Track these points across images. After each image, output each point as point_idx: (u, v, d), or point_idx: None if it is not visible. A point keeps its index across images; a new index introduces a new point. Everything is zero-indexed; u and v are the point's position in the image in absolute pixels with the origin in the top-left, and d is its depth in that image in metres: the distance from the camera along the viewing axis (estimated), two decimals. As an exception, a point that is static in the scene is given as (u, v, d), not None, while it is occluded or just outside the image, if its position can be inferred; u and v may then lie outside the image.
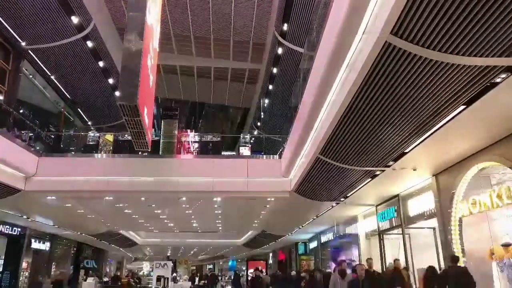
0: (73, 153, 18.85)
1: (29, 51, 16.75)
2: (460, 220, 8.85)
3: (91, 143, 18.76)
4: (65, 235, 24.90)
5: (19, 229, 20.06)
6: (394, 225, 12.69)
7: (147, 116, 11.03)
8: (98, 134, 18.98)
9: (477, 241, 8.55)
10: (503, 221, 8.15)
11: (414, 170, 9.39)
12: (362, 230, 15.80)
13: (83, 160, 14.72)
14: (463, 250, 8.75)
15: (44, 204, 15.37)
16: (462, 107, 5.88)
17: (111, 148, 18.26)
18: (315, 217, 17.23)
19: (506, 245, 7.58)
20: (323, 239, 22.00)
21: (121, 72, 9.82)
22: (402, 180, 10.70)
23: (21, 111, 18.69)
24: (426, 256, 11.18)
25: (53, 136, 19.37)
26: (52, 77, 19.08)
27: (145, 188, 13.74)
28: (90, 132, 20.19)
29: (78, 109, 22.99)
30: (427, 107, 5.99)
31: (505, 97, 5.69)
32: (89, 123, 23.85)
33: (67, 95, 21.15)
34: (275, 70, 17.44)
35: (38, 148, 16.17)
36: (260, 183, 13.78)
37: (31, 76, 19.33)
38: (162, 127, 20.46)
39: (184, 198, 15.53)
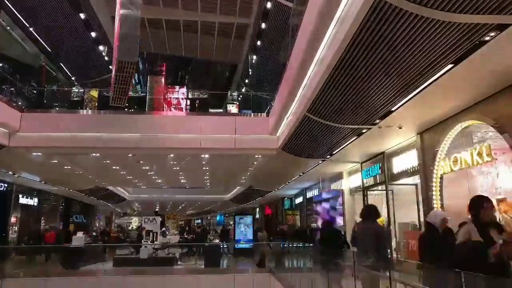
0: (57, 109, 18.51)
1: (6, 1, 15.93)
2: (441, 177, 9.13)
3: (75, 99, 18.42)
4: (53, 191, 25.01)
5: (6, 185, 20.05)
6: (378, 181, 13.03)
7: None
8: (82, 90, 18.59)
9: (457, 197, 8.87)
10: (482, 178, 8.44)
11: (399, 128, 9.52)
12: (346, 187, 16.21)
13: (68, 116, 14.49)
14: (442, 206, 9.09)
15: (30, 161, 15.27)
16: (450, 65, 5.88)
17: (96, 104, 17.97)
18: (301, 174, 17.56)
19: (483, 201, 7.89)
20: (309, 194, 22.57)
21: (121, 27, 9.47)
22: (387, 138, 10.87)
23: None
24: (407, 211, 11.62)
25: (35, 92, 18.91)
26: (31, 29, 18.29)
27: (132, 145, 13.70)
28: (74, 88, 19.74)
29: (60, 63, 22.29)
30: (415, 65, 5.98)
31: (493, 55, 5.69)
32: (73, 78, 23.24)
33: (48, 49, 20.41)
34: (263, 26, 17.00)
35: (20, 103, 15.81)
36: (248, 140, 13.84)
37: (8, 28, 18.50)
38: (148, 83, 20.11)
39: (171, 155, 15.58)
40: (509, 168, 7.49)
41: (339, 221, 16.10)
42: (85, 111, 17.09)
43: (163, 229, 21.26)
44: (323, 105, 8.54)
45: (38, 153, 14.38)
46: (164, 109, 19.64)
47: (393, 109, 7.97)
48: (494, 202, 7.61)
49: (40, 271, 13.26)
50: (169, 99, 20.32)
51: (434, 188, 9.25)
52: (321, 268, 8.01)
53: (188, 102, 20.92)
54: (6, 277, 11.47)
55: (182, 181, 23.79)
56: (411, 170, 10.86)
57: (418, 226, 10.94)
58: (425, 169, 9.78)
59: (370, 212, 6.91)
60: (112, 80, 10.96)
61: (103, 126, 13.82)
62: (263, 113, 15.18)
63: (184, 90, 21.26)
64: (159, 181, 23.83)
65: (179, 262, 15.32)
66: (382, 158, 12.53)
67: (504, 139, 6.99)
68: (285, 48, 12.45)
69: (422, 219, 10.30)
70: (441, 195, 9.15)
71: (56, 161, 15.95)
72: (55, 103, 19.92)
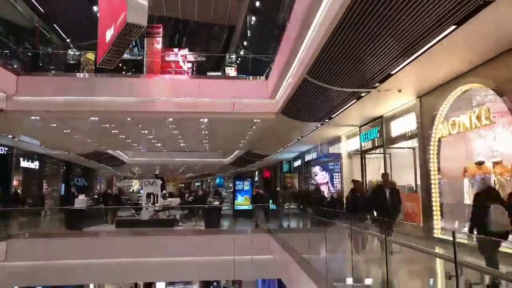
0: (53, 72, 18.25)
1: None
2: (439, 141, 9.19)
3: (71, 62, 18.09)
4: (53, 155, 25.14)
5: (6, 148, 20.13)
6: (376, 145, 13.11)
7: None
8: (78, 53, 18.24)
9: (453, 160, 8.98)
10: (479, 141, 8.50)
11: (399, 91, 9.47)
12: (344, 150, 16.32)
13: (65, 79, 14.32)
14: (439, 169, 9.21)
15: (28, 124, 15.24)
16: (453, 27, 5.77)
17: (93, 67, 17.69)
18: (299, 138, 17.62)
19: (479, 163, 8.00)
20: (307, 158, 22.77)
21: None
22: (386, 102, 10.83)
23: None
24: (404, 174, 11.78)
25: (30, 54, 18.57)
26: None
27: (130, 109, 13.64)
28: (69, 50, 19.36)
29: (54, 25, 21.74)
30: (418, 26, 5.87)
31: (498, 16, 5.58)
32: (68, 40, 22.75)
33: (40, 9, 19.82)
34: (263, -15, 16.51)
35: (15, 66, 15.58)
36: (246, 104, 13.77)
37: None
38: (145, 45, 19.71)
39: (170, 119, 15.55)
40: (507, 131, 7.53)
41: (337, 183, 16.36)
42: (82, 74, 16.85)
43: (164, 191, 21.62)
44: (323, 68, 8.45)
45: (36, 117, 14.34)
46: (162, 72, 19.36)
47: (393, 72, 7.89)
48: (490, 165, 7.73)
49: (44, 232, 13.58)
50: (167, 62, 19.99)
51: (431, 152, 9.34)
52: (319, 228, 8.25)
53: (189, 65, 20.58)
54: (11, 237, 11.77)
55: (181, 144, 23.87)
56: (409, 134, 10.91)
57: (414, 189, 11.13)
58: (423, 133, 9.83)
59: None
60: (109, 41, 10.69)
61: (100, 90, 13.70)
62: (262, 76, 15.01)
63: (184, 52, 20.82)
64: (159, 145, 23.91)
65: (179, 224, 15.67)
66: (381, 122, 12.54)
67: (503, 102, 6.98)
68: (284, 9, 12.13)
69: (419, 182, 10.46)
70: (438, 158, 9.25)
71: (54, 125, 15.92)
72: (51, 66, 19.62)
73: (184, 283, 20.05)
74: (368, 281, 5.85)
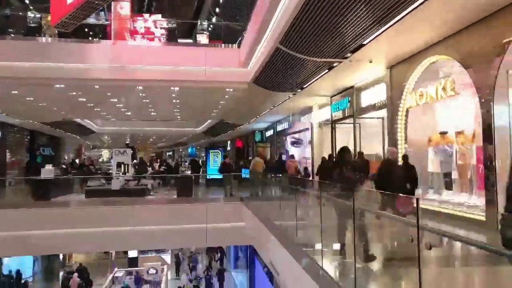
0: (12, 35, 17.22)
1: None
2: (407, 111, 9.45)
3: (32, 25, 17.12)
4: (16, 123, 24.16)
5: (-36, 117, 19.17)
6: (346, 115, 13.33)
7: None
8: (39, 15, 17.24)
9: (420, 130, 9.30)
10: (444, 111, 8.81)
11: (370, 62, 9.58)
12: (316, 120, 16.53)
13: (25, 44, 13.56)
14: (406, 138, 9.52)
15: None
16: (424, -3, 5.82)
17: (56, 31, 16.81)
18: (272, 107, 17.66)
19: (443, 133, 8.34)
20: (279, 128, 22.94)
21: None
22: (357, 72, 10.95)
23: None
24: (373, 144, 12.11)
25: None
26: None
27: (98, 76, 13.17)
28: (29, 13, 18.26)
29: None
30: (389, -3, 5.89)
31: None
32: (26, 1, 21.40)
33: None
34: None
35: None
36: (218, 73, 13.57)
37: None
38: (112, 9, 18.84)
39: (139, 87, 15.16)
40: (470, 103, 7.82)
41: (307, 153, 16.65)
42: (44, 38, 16.00)
43: (135, 161, 21.33)
44: (296, 37, 8.39)
45: (-4, 83, 13.64)
46: (130, 38, 18.67)
47: (365, 42, 7.95)
48: (453, 135, 8.06)
49: (10, 203, 13.24)
50: (135, 28, 19.26)
51: (399, 122, 9.61)
52: (289, 196, 8.44)
53: (162, 31, 19.89)
54: (-25, 209, 11.41)
55: (152, 114, 23.44)
56: (379, 104, 11.13)
57: (382, 158, 11.50)
58: (392, 103, 10.06)
59: None
60: (73, 2, 10.13)
61: (65, 55, 13.09)
62: (234, 45, 14.75)
63: (156, 17, 20.07)
64: (129, 113, 23.37)
65: (151, 193, 15.62)
66: (352, 92, 12.72)
67: (468, 74, 7.20)
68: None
69: (386, 149, 10.79)
70: (405, 128, 9.54)
71: (16, 92, 15.21)
72: (10, 29, 18.50)
73: (157, 251, 20.24)
74: (336, 246, 6.12)
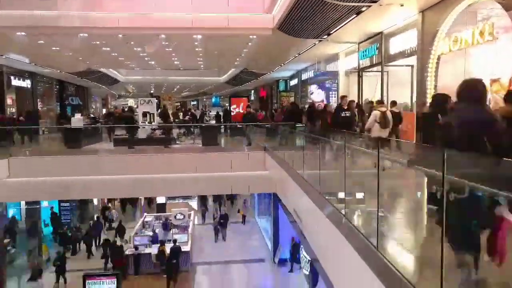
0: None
1: None
2: (439, 58, 9.01)
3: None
4: (45, 73, 24.63)
5: (-4, 67, 19.65)
6: (374, 62, 12.87)
7: None
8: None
9: (451, 78, 8.88)
10: (479, 58, 8.33)
11: (401, 5, 9.05)
12: (342, 68, 16.06)
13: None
14: (435, 87, 9.16)
15: (15, 41, 14.68)
16: None
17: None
18: (296, 55, 17.20)
19: (477, 82, 7.93)
20: (304, 76, 22.47)
21: None
22: (387, 17, 10.40)
23: None
24: (401, 93, 11.74)
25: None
26: None
27: (121, 25, 13.05)
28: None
29: None
30: None
31: None
32: None
33: None
34: None
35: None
36: (241, 19, 13.17)
37: None
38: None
39: (163, 36, 14.97)
40: (509, 47, 7.35)
41: (333, 102, 16.37)
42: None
43: (160, 110, 21.60)
44: (323, -21, 7.94)
45: (22, 33, 13.75)
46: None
47: (397, -17, 7.46)
48: (488, 82, 7.67)
49: (44, 150, 13.81)
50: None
51: (429, 69, 9.21)
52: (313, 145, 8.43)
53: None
54: (11, 155, 11.98)
55: (175, 62, 23.33)
56: (409, 51, 10.65)
57: (409, 107, 11.19)
58: (423, 50, 9.59)
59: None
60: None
61: (89, 4, 12.98)
62: (258, -12, 14.15)
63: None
64: (152, 62, 23.34)
65: (177, 142, 15.92)
66: (380, 39, 12.17)
67: (509, 16, 6.70)
68: None
69: (414, 100, 10.47)
70: (436, 76, 9.15)
71: (42, 42, 15.35)
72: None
73: (183, 197, 20.97)
74: (359, 195, 6.15)
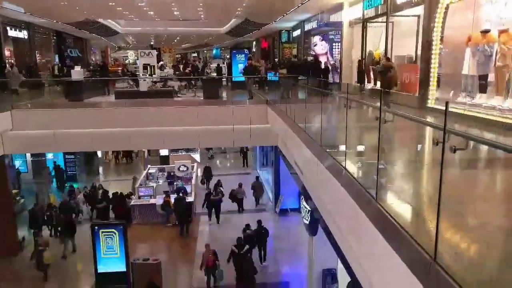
0: None
1: None
2: (447, 7, 8.70)
3: None
4: (42, 23, 24.00)
5: (-10, 17, 19.14)
6: (379, 13, 12.46)
7: None
8: None
9: (459, 28, 8.64)
10: (489, 7, 8.05)
11: (411, -50, 8.61)
12: (346, 19, 15.57)
13: None
14: (441, 38, 8.93)
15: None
16: None
17: None
18: (300, 4, 16.65)
19: (485, 32, 7.72)
20: (307, 27, 21.86)
21: None
22: (396, -37, 9.94)
23: None
24: (405, 44, 11.47)
25: None
26: None
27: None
28: None
29: None
30: None
31: None
32: None
33: None
34: None
35: None
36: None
37: None
38: None
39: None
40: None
41: (336, 54, 16.07)
42: None
43: (161, 62, 21.28)
44: None
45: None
46: None
47: None
48: (496, 34, 7.48)
49: (46, 103, 13.79)
50: None
51: (437, 19, 8.92)
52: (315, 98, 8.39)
53: None
54: (13, 108, 11.99)
55: (175, 13, 22.65)
56: (415, 0, 10.28)
57: (414, 59, 10.99)
58: (431, -2, 9.25)
59: None
60: None
61: None
62: None
63: None
64: (151, 13, 22.68)
65: (178, 94, 15.83)
66: (387, -13, 11.71)
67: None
68: None
69: (419, 52, 10.26)
70: (443, 26, 8.89)
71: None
72: None
73: (187, 150, 21.19)
74: (360, 148, 6.21)
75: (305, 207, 10.41)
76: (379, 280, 3.85)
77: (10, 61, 20.52)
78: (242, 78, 15.58)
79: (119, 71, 22.13)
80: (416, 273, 2.89)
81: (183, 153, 21.11)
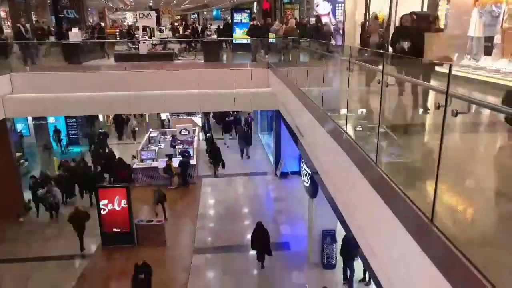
0: None
1: None
2: (455, -35, 8.39)
3: None
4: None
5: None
6: (385, -30, 12.01)
7: None
8: None
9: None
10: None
11: None
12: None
13: None
14: (449, -1, 8.67)
15: None
16: None
17: None
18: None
19: (493, -8, 7.48)
20: (310, -13, 21.14)
21: None
22: None
23: None
24: (411, 4, 11.13)
25: None
26: None
27: None
28: None
29: None
30: None
31: None
32: None
33: None
34: None
35: None
36: None
37: None
38: None
39: None
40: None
41: (339, 16, 15.63)
42: None
43: (160, 27, 20.82)
44: None
45: None
46: None
47: None
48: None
49: (45, 66, 13.63)
50: None
51: (444, -22, 8.63)
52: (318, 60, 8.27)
53: None
54: (12, 71, 11.87)
55: (173, -29, 21.86)
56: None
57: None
58: (439, -44, 8.89)
59: None
60: None
61: None
62: None
63: None
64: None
65: (178, 57, 15.61)
66: None
67: None
68: None
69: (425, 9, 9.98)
70: (450, -14, 8.61)
71: None
72: None
73: (188, 114, 21.14)
74: (361, 111, 6.19)
75: (305, 170, 10.53)
76: (379, 243, 3.96)
77: (6, 22, 20.09)
78: (242, 41, 15.27)
79: (117, 33, 21.67)
80: (413, 234, 2.97)
81: (184, 117, 21.09)
